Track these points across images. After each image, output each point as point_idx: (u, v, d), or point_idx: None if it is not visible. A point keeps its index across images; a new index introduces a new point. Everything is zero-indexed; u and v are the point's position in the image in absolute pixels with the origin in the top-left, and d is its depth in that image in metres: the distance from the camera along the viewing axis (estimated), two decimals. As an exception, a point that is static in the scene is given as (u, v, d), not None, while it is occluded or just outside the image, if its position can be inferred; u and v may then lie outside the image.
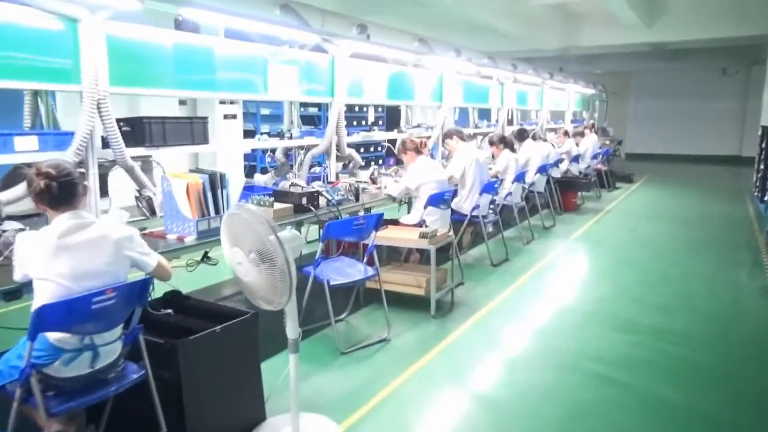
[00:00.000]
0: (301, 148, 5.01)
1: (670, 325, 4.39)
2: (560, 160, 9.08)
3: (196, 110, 8.61)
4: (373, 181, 5.36)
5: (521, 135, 7.96)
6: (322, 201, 4.29)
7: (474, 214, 5.83)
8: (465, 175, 5.87)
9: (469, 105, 8.16)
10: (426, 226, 4.92)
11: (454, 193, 5.21)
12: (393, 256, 5.12)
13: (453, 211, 5.96)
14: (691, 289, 5.32)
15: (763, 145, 10.10)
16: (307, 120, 9.20)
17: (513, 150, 6.88)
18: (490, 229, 6.66)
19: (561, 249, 6.72)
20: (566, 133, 10.02)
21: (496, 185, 6.02)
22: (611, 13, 10.57)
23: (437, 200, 4.94)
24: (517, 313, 4.62)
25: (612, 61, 17.40)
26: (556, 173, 8.81)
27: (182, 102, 8.39)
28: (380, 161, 9.83)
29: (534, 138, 8.81)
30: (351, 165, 5.46)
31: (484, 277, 5.55)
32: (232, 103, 7.97)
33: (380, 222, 4.00)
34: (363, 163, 5.41)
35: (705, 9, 11.22)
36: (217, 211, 3.35)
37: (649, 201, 10.84)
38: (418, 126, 6.67)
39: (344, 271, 3.98)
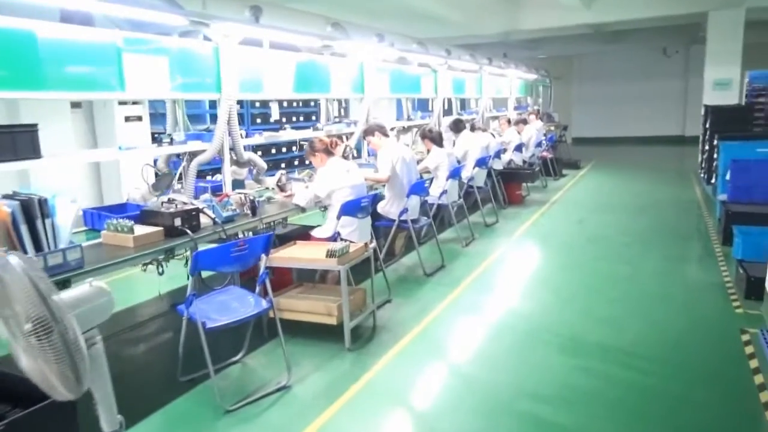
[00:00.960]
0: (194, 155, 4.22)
1: (618, 341, 3.83)
2: (502, 151, 8.53)
3: (93, 113, 7.67)
4: (281, 188, 4.62)
5: (457, 126, 7.34)
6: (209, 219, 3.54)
7: (403, 218, 5.17)
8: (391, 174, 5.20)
9: (398, 95, 7.48)
10: (341, 239, 4.24)
11: (374, 199, 4.52)
12: (306, 275, 4.40)
13: (380, 217, 5.30)
14: (641, 291, 4.80)
15: (707, 126, 9.84)
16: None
17: (440, 144, 6.23)
18: (425, 232, 6.04)
19: (502, 250, 6.13)
20: (509, 122, 9.48)
21: (426, 184, 5.36)
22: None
23: (352, 208, 4.24)
24: (447, 338, 3.97)
25: (555, 44, 17.15)
26: (498, 165, 8.26)
27: (75, 104, 7.43)
28: (296, 163, 9.07)
29: (473, 128, 8.23)
30: (255, 171, 4.71)
31: (416, 290, 4.89)
32: (135, 103, 7.11)
33: (270, 243, 3.27)
34: (266, 168, 4.65)
35: (642, -13, 10.92)
36: (38, 248, 2.56)
37: (596, 188, 10.44)
38: (339, 121, 5.94)
39: (229, 306, 3.24)
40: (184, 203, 3.51)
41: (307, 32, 4.72)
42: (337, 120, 6.03)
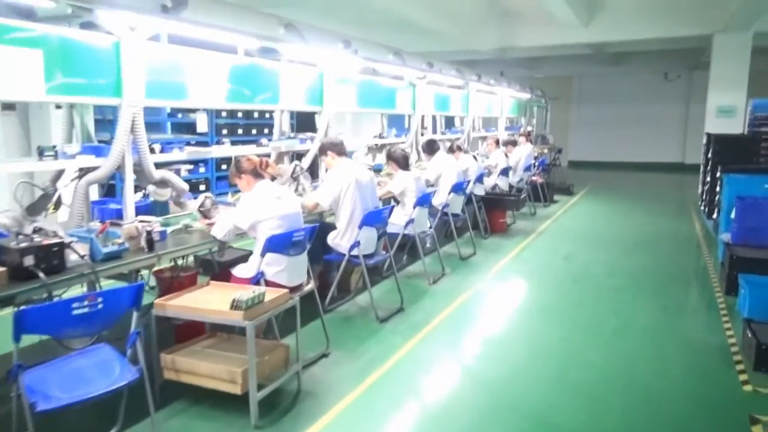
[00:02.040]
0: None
1: (598, 427, 3.06)
2: (486, 174, 7.79)
3: (29, 116, 6.94)
4: (204, 214, 3.85)
5: (430, 147, 6.60)
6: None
7: (354, 253, 4.41)
8: (341, 202, 4.45)
9: (367, 110, 6.76)
10: (265, 282, 3.47)
11: (312, 232, 3.74)
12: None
13: (329, 250, 4.55)
14: (631, 353, 4.02)
15: (709, 155, 9.14)
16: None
17: (405, 167, 5.49)
18: (387, 266, 5.28)
19: (474, 289, 5.35)
20: (497, 143, 8.74)
21: (383, 214, 4.61)
22: (548, 12, 9.47)
23: (280, 244, 3.48)
24: (385, 413, 3.18)
25: (554, 64, 16.58)
26: (479, 190, 7.51)
27: (8, 106, 6.70)
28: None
29: (453, 149, 7.51)
30: (175, 193, 3.95)
31: (361, 342, 4.11)
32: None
33: (140, 294, 2.51)
34: (187, 189, 3.90)
35: (642, 8, 10.29)
36: None
37: (588, 218, 9.69)
38: (293, 137, 5.20)
39: (83, 377, 2.46)
40: (51, 235, 2.75)
41: (244, 31, 3.99)
42: (291, 135, 5.28)
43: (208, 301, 3.09)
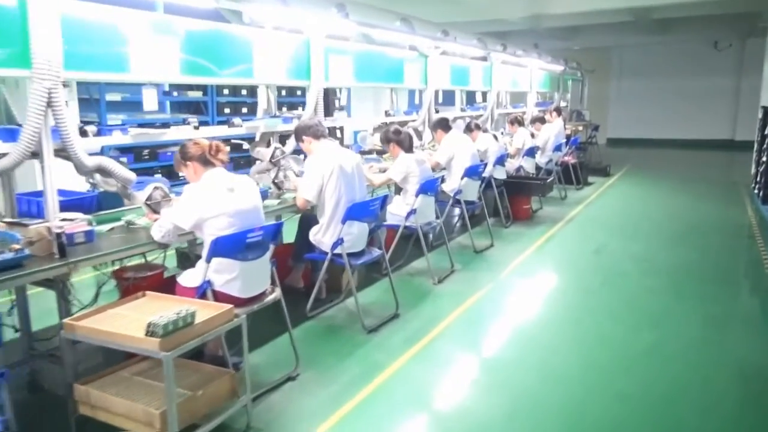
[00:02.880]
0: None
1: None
2: (505, 156, 6.98)
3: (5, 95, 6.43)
4: (153, 208, 3.24)
5: (441, 125, 5.83)
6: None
7: (336, 251, 3.76)
8: (323, 192, 3.79)
9: (369, 84, 6.04)
10: (213, 292, 2.86)
11: (274, 233, 3.09)
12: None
13: (311, 247, 3.92)
14: (668, 380, 3.26)
15: (765, 131, 8.10)
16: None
17: (410, 150, 4.78)
18: (389, 266, 4.62)
19: (482, 293, 4.62)
20: (516, 122, 7.87)
21: (372, 206, 3.92)
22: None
23: (230, 247, 2.85)
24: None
25: (591, 34, 15.32)
26: (500, 173, 6.73)
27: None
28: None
29: (471, 128, 6.73)
30: (120, 184, 3.35)
31: (341, 359, 3.47)
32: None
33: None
34: (134, 179, 3.29)
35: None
36: None
37: (625, 202, 8.77)
38: (276, 116, 4.53)
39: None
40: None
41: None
42: (276, 114, 4.62)
43: (131, 320, 2.49)
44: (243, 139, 4.44)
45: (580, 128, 12.16)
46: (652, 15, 11.80)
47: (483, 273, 5.07)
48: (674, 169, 12.76)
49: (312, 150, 3.88)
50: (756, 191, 8.14)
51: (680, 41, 15.94)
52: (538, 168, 8.43)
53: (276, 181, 4.11)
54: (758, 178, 8.07)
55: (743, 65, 15.88)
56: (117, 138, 3.37)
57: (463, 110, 8.18)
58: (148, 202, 3.25)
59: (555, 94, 12.50)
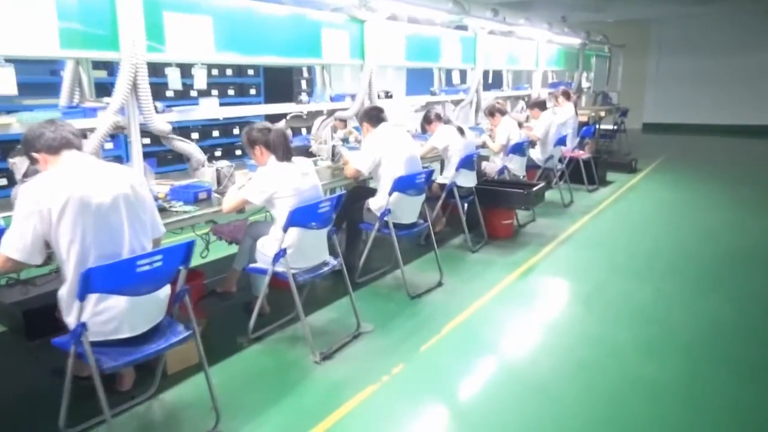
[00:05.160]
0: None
1: None
2: (473, 156, 5.21)
3: None
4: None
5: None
6: None
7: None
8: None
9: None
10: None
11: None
12: None
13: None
14: None
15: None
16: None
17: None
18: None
19: (366, 394, 2.98)
20: (497, 111, 6.00)
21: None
22: None
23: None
24: None
25: (627, 5, 13.22)
26: (466, 180, 4.98)
27: None
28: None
29: (431, 120, 5.03)
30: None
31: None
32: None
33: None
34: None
35: None
36: None
37: (645, 214, 6.82)
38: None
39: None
40: None
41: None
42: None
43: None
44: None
45: (603, 114, 10.21)
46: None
47: (401, 345, 3.38)
48: (717, 163, 10.68)
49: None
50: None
51: (728, 12, 13.96)
52: (536, 167, 6.68)
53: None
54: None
55: (805, 39, 13.62)
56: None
57: (433, 94, 6.36)
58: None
59: (575, 74, 10.52)
